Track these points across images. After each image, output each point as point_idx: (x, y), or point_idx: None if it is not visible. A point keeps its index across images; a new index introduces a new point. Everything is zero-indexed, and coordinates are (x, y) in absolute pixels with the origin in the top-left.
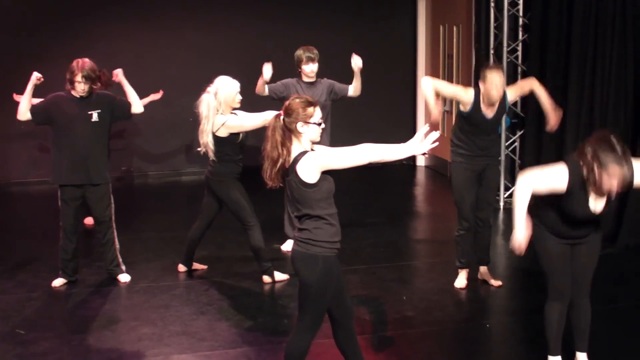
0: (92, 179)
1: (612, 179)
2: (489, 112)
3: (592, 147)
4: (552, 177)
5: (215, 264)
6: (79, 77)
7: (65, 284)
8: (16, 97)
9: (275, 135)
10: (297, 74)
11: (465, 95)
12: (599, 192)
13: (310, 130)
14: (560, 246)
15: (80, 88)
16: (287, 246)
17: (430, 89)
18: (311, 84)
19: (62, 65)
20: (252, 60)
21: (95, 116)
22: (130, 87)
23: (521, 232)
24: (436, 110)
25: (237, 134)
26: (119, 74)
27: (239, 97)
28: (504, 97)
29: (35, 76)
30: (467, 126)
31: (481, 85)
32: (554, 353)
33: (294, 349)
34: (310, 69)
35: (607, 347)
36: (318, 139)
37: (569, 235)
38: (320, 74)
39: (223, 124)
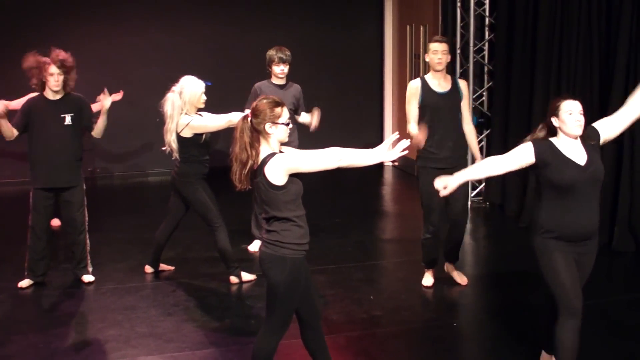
0: (67, 182)
1: (571, 113)
2: (439, 88)
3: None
4: (519, 150)
5: (182, 265)
6: (52, 69)
7: (32, 285)
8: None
9: (243, 137)
10: (266, 74)
11: (413, 87)
12: (571, 134)
13: (278, 130)
14: (566, 258)
15: (54, 80)
16: (255, 247)
17: (413, 125)
18: (281, 86)
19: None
20: (218, 61)
21: (68, 119)
22: (106, 117)
23: (447, 177)
24: (418, 134)
25: (201, 134)
26: (104, 103)
27: (204, 98)
28: (455, 82)
29: (3, 104)
30: (424, 113)
31: (426, 57)
32: None
33: (261, 350)
34: (280, 70)
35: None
36: (286, 139)
37: (576, 230)
38: (287, 76)
39: (187, 124)
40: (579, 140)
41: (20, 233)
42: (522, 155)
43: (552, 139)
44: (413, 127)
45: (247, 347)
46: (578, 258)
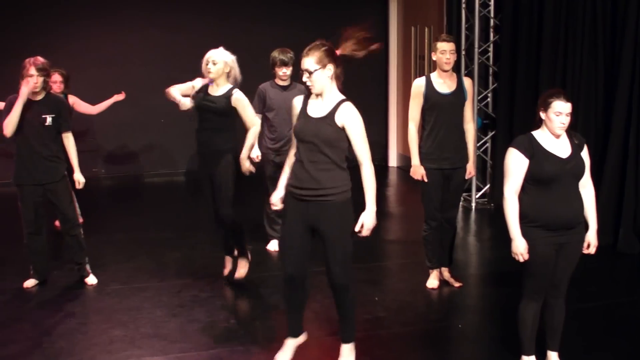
0: (49, 178)
1: (559, 115)
2: (444, 88)
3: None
4: (513, 164)
5: (186, 265)
6: (32, 70)
7: (36, 285)
8: None
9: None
10: (270, 75)
11: (417, 86)
12: (553, 133)
13: None
14: (546, 250)
15: (33, 81)
16: (273, 246)
17: (413, 135)
18: (285, 87)
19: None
20: None
21: (49, 120)
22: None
23: (520, 241)
24: (418, 167)
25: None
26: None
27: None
28: (461, 81)
29: None
30: (428, 113)
31: (433, 56)
32: (528, 353)
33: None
34: (283, 72)
35: (579, 346)
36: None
37: (557, 219)
38: (292, 77)
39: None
40: (564, 133)
41: (22, 234)
42: (520, 164)
43: (534, 132)
44: (412, 128)
45: (252, 348)
46: (561, 248)
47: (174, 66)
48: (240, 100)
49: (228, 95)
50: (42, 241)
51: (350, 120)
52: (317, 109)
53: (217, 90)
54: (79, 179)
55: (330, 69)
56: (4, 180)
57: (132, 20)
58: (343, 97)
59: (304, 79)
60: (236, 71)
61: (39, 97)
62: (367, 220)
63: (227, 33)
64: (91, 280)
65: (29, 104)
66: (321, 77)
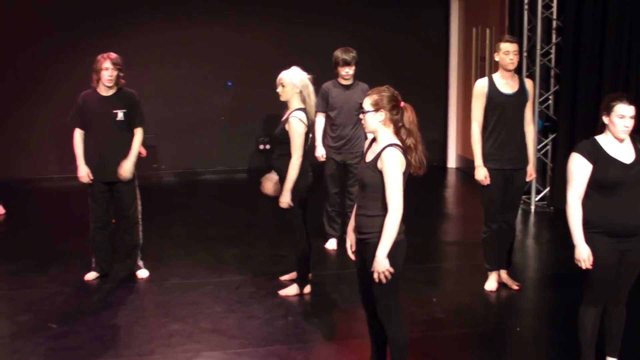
0: (117, 176)
1: (622, 117)
2: (506, 89)
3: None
4: (576, 169)
5: (245, 262)
6: (107, 64)
7: (97, 277)
8: None
9: None
10: (334, 74)
11: (479, 86)
12: (616, 137)
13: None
14: (609, 257)
15: (108, 75)
16: (331, 245)
17: (477, 136)
18: (347, 86)
19: (87, 61)
20: (281, 57)
21: (120, 115)
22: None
23: (583, 248)
24: (484, 174)
25: None
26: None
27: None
28: (523, 82)
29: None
30: (490, 113)
31: (496, 57)
32: (587, 358)
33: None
34: (345, 72)
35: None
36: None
37: (620, 225)
38: (355, 75)
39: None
40: (628, 138)
41: (88, 227)
42: (583, 170)
43: (598, 137)
44: (475, 129)
45: (310, 345)
46: (624, 255)
47: (236, 64)
48: (291, 129)
49: (285, 121)
50: (107, 236)
51: (385, 164)
52: (370, 153)
53: (285, 114)
54: (126, 167)
55: (382, 114)
56: (72, 174)
57: (195, 17)
58: (392, 142)
59: (360, 116)
60: (309, 90)
61: (111, 92)
62: (375, 265)
63: (289, 31)
64: (142, 273)
65: (100, 99)
66: (372, 120)
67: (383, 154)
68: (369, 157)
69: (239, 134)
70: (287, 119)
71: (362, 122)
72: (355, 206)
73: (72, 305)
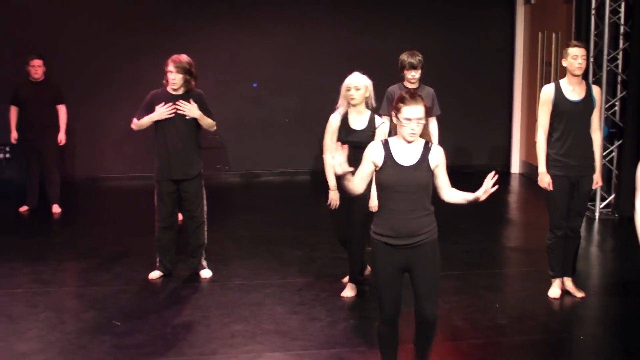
0: (185, 174)
1: None
2: (573, 95)
3: None
4: None
5: (308, 264)
6: (171, 67)
7: (161, 276)
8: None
9: None
10: (399, 77)
11: (546, 92)
12: None
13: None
14: None
15: (172, 78)
16: None
17: (542, 142)
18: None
19: (157, 63)
20: (345, 61)
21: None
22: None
23: None
24: (548, 180)
25: None
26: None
27: (349, 94)
28: (590, 89)
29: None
30: (556, 120)
31: (563, 62)
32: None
33: None
34: (411, 76)
35: None
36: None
37: None
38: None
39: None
40: None
41: (152, 227)
42: None
43: None
44: (541, 135)
45: (374, 348)
46: None
47: (299, 66)
48: (384, 135)
49: (373, 128)
50: (172, 236)
51: (443, 159)
52: (405, 156)
53: (357, 119)
54: (193, 108)
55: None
56: (136, 174)
57: (260, 20)
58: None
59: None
60: (372, 95)
61: (179, 92)
62: None
63: (352, 34)
64: (205, 273)
65: (169, 98)
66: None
67: (436, 152)
68: (411, 160)
69: (302, 136)
70: (371, 127)
71: (412, 131)
72: (397, 211)
73: (135, 303)
